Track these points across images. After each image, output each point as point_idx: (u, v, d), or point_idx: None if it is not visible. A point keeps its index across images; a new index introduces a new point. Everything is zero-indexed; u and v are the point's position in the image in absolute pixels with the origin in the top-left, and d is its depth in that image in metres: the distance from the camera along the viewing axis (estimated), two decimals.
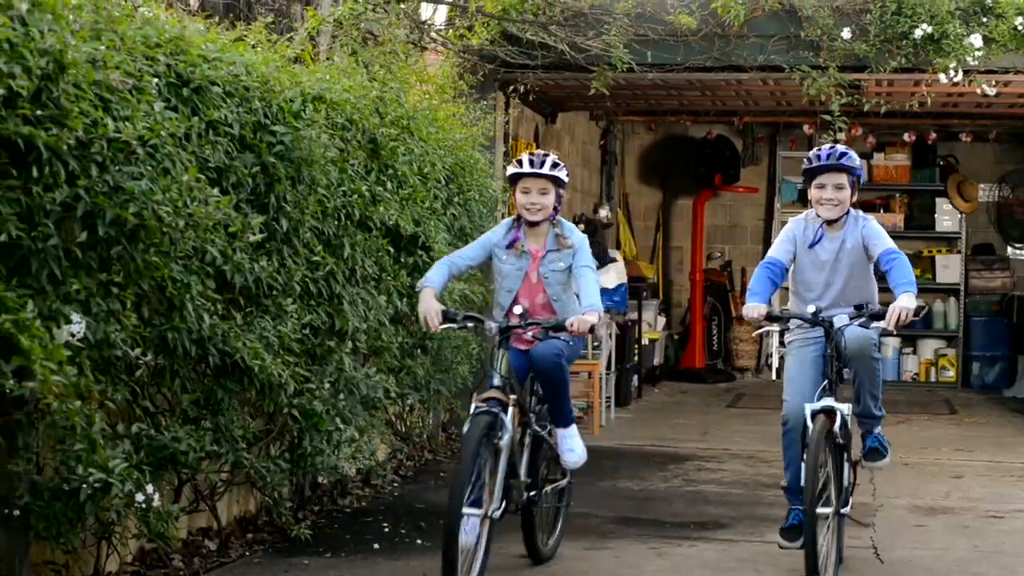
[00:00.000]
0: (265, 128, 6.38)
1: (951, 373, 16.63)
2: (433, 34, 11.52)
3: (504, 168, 11.76)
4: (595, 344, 12.11)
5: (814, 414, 6.61)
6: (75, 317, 4.77)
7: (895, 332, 6.78)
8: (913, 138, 16.09)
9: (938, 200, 16.82)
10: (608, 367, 13.06)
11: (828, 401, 6.68)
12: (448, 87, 10.61)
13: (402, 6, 11.05)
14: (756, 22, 11.49)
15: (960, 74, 11.25)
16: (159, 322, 5.55)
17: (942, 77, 11.28)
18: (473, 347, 9.60)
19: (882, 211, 16.56)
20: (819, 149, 7.03)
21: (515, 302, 6.88)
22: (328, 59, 8.90)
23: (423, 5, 12.18)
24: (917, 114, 13.48)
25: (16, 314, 4.36)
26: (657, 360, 15.97)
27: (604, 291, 12.72)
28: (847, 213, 6.96)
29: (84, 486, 4.96)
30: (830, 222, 6.96)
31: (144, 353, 5.31)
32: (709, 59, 11.60)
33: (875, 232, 6.94)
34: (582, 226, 12.67)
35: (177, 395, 5.93)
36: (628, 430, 12.42)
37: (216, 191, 5.63)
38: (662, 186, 17.82)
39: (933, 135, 16.12)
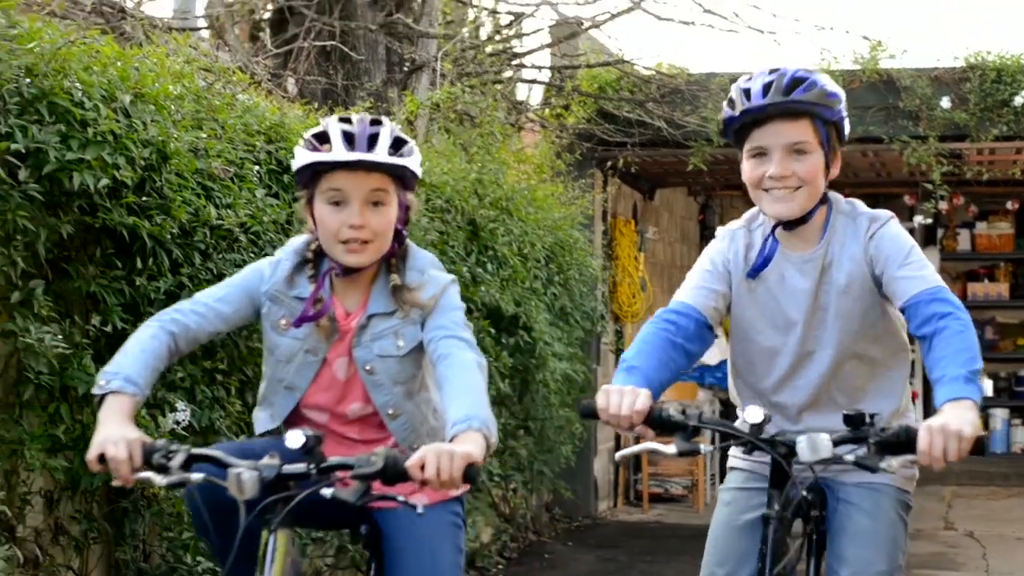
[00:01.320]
0: None
1: None
2: (530, 114, 11.57)
3: (604, 247, 11.74)
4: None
5: None
6: (180, 405, 4.80)
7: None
8: (1016, 206, 15.85)
9: None
10: (712, 442, 12.91)
11: None
12: (546, 166, 10.63)
13: (498, 87, 11.11)
14: (854, 93, 11.41)
15: None
16: None
17: None
18: (577, 427, 9.54)
19: (986, 281, 16.31)
20: (748, 79, 3.68)
21: (298, 416, 3.69)
22: (426, 141, 8.95)
23: (519, 85, 12.26)
24: (1020, 181, 13.28)
25: None
26: None
27: (706, 368, 12.68)
28: (826, 203, 3.71)
29: (191, 574, 4.96)
30: (789, 225, 3.67)
31: None
32: None
33: (896, 246, 3.61)
34: None
35: None
36: None
37: None
38: None
39: None
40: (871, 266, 3.64)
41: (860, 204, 3.76)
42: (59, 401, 4.42)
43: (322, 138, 3.49)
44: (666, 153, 11.97)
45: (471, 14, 12.54)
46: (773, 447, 3.36)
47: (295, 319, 3.58)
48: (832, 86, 3.66)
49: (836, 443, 3.27)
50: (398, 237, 3.62)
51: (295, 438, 3.09)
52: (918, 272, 3.55)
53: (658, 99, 11.41)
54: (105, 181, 4.42)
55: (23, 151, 4.12)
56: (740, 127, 3.68)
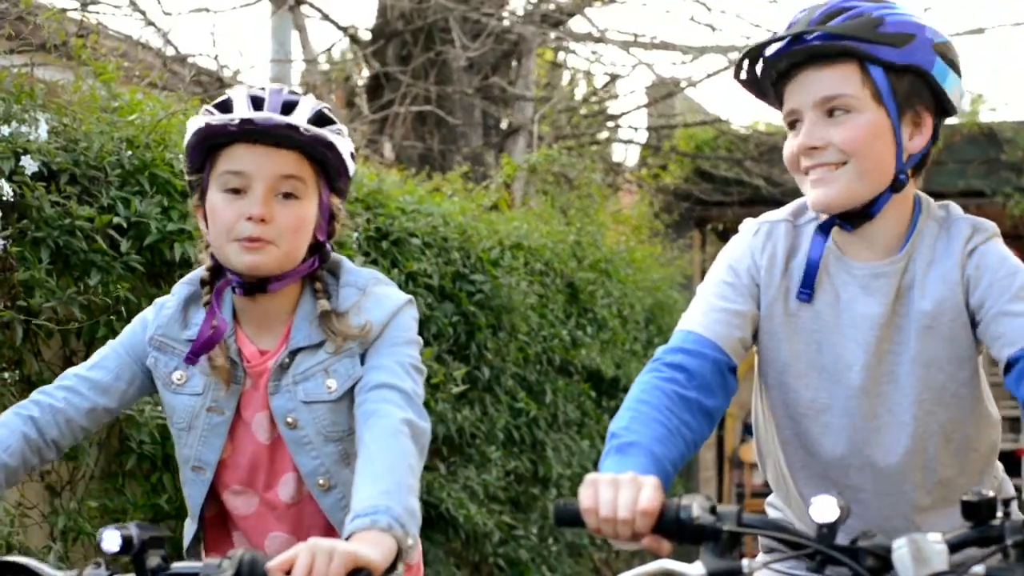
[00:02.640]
0: (464, 277, 6.39)
1: None
2: (627, 174, 11.55)
3: None
4: None
5: None
6: None
7: None
8: None
9: None
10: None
11: None
12: (644, 227, 10.59)
13: (595, 148, 11.11)
14: (955, 147, 11.29)
15: None
16: None
17: None
18: (678, 489, 9.44)
19: None
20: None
21: (217, 511, 2.82)
22: (524, 204, 8.95)
23: (615, 146, 12.26)
24: None
25: None
26: None
27: None
28: (906, 197, 2.59)
29: None
30: (846, 220, 2.58)
31: None
32: None
33: (1006, 270, 2.54)
34: None
35: None
36: None
37: None
38: None
39: None
40: (967, 292, 2.56)
41: (957, 208, 2.65)
42: (161, 471, 4.42)
43: (224, 106, 2.62)
44: (765, 211, 11.87)
45: (566, 76, 12.58)
46: (856, 559, 2.07)
47: (188, 354, 2.67)
48: (907, 17, 2.53)
49: (954, 547, 2.06)
50: (320, 253, 2.71)
51: (111, 538, 2.18)
52: None
53: (756, 157, 11.35)
54: None
55: (124, 224, 4.14)
56: (774, 87, 2.62)
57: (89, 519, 4.12)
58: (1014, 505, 2.07)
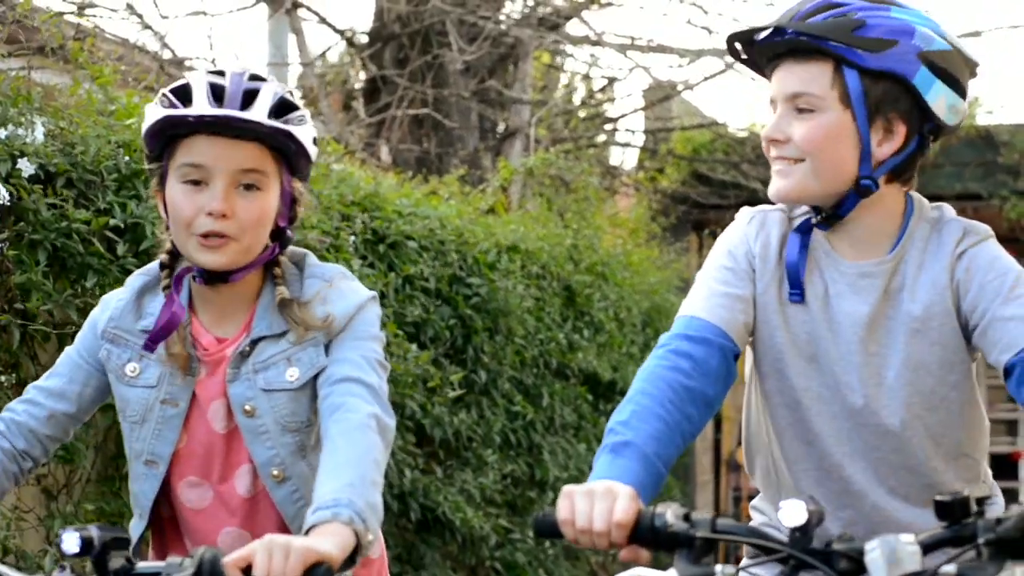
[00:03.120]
0: (461, 281, 6.39)
1: None
2: (624, 178, 11.56)
3: None
4: None
5: None
6: None
7: None
8: None
9: None
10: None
11: None
12: (641, 230, 10.59)
13: (592, 151, 11.12)
14: (952, 149, 11.30)
15: None
16: None
17: None
18: (676, 494, 9.44)
19: None
20: None
21: (168, 507, 2.73)
22: (520, 207, 8.95)
23: (612, 149, 12.26)
24: None
25: None
26: None
27: None
28: (908, 202, 2.60)
29: None
30: (823, 218, 2.58)
31: None
32: None
33: (998, 272, 2.52)
34: None
35: None
36: None
37: (414, 346, 5.64)
38: None
39: None
40: (957, 296, 2.54)
41: (950, 210, 2.62)
42: None
43: (182, 94, 2.54)
44: None
45: (563, 79, 12.58)
46: (830, 562, 2.05)
47: (146, 339, 2.62)
48: (898, 22, 2.49)
49: (927, 547, 2.02)
50: (280, 238, 2.66)
51: (70, 540, 2.15)
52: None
53: (753, 160, 11.35)
54: None
55: (121, 226, 4.14)
56: (767, 66, 2.61)
57: (86, 522, 4.12)
58: (989, 503, 2.06)
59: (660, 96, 11.52)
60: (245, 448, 2.63)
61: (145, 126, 2.57)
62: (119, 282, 4.05)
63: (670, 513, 2.09)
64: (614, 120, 12.08)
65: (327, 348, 2.60)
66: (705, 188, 11.43)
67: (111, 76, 4.57)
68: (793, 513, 2.02)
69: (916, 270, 2.55)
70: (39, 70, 4.62)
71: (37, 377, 3.53)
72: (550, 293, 7.64)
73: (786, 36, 2.49)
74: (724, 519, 2.10)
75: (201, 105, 2.49)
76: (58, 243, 3.93)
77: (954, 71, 2.51)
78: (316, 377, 2.59)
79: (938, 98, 2.50)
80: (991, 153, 11.32)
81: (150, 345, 2.61)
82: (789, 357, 2.60)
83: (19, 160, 3.81)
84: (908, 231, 2.57)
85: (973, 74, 2.58)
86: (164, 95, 2.55)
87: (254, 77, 2.57)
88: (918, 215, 2.58)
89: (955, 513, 2.02)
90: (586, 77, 12.27)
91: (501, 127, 10.80)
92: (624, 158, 12.33)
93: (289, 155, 2.60)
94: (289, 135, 2.55)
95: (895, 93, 2.49)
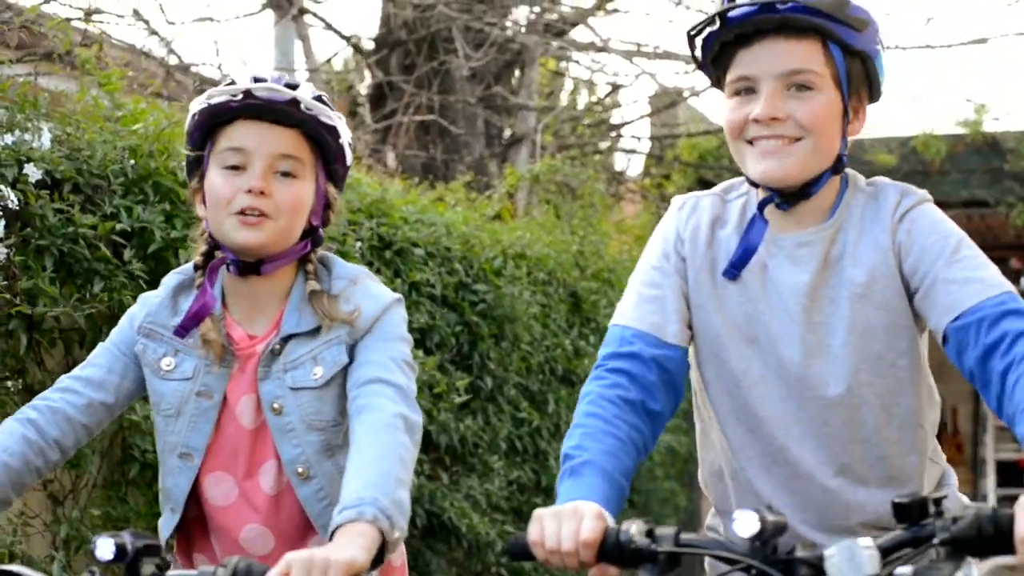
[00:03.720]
0: (467, 287, 6.39)
1: None
2: (630, 184, 11.55)
3: None
4: None
5: None
6: None
7: None
8: None
9: None
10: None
11: None
12: (647, 236, 10.56)
13: (598, 158, 11.12)
14: (958, 157, 11.30)
15: None
16: None
17: None
18: (681, 499, 9.43)
19: None
20: None
21: (196, 503, 2.76)
22: (526, 214, 8.96)
23: (618, 155, 12.26)
24: None
25: None
26: None
27: None
28: (839, 174, 2.58)
29: None
30: (786, 199, 2.54)
31: None
32: None
33: (939, 234, 2.50)
34: None
35: None
36: None
37: (421, 352, 5.64)
38: None
39: None
40: (899, 259, 2.50)
41: (885, 179, 2.62)
42: None
43: (218, 84, 2.69)
44: None
45: (569, 85, 12.59)
46: (789, 570, 2.04)
47: (177, 326, 2.68)
48: (862, 3, 2.51)
49: (885, 551, 2.02)
50: (312, 235, 2.73)
51: (105, 546, 2.19)
52: (975, 272, 2.44)
53: None
54: None
55: (128, 231, 4.15)
56: (721, 48, 2.55)
57: (92, 528, 4.12)
58: (946, 504, 2.02)
59: (666, 103, 11.52)
60: (271, 445, 2.67)
61: (188, 121, 2.67)
62: (126, 287, 4.08)
63: (634, 529, 2.12)
64: (620, 127, 12.09)
65: (351, 349, 2.64)
66: None
67: (118, 82, 4.58)
68: (746, 523, 2.02)
69: (857, 235, 2.53)
70: (46, 76, 4.63)
71: (44, 382, 3.56)
72: (556, 299, 7.64)
73: (780, 11, 2.44)
74: (687, 533, 2.11)
75: (245, 83, 2.59)
76: (65, 248, 3.94)
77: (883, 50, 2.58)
78: (340, 376, 2.63)
79: (883, 76, 2.57)
80: (998, 160, 11.31)
81: (181, 331, 2.67)
82: (726, 340, 2.57)
83: (26, 165, 3.82)
84: (844, 200, 2.55)
85: None
86: (209, 92, 2.65)
87: (289, 85, 2.65)
88: (853, 186, 2.58)
89: (913, 515, 2.02)
90: (591, 83, 12.28)
91: (507, 133, 10.80)
92: (629, 164, 12.33)
93: (326, 149, 2.68)
94: (329, 126, 2.65)
95: (862, 73, 2.53)
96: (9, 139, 3.84)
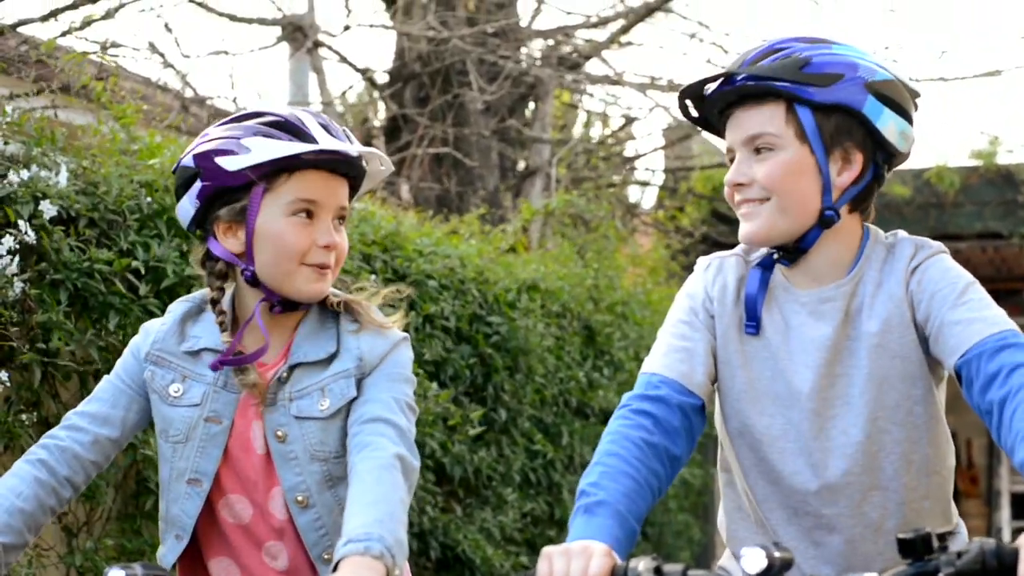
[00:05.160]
0: (481, 319, 6.40)
1: None
2: (644, 216, 11.57)
3: None
4: None
5: None
6: None
7: None
8: None
9: None
10: None
11: None
12: (661, 269, 10.60)
13: (611, 190, 11.13)
14: (972, 189, 11.29)
15: None
16: None
17: None
18: (695, 532, 9.41)
19: None
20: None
21: (211, 527, 2.75)
22: (541, 246, 8.97)
23: (632, 187, 12.28)
24: None
25: None
26: None
27: None
28: (864, 232, 2.68)
29: None
30: (785, 256, 2.65)
31: None
32: (925, 229, 11.40)
33: (948, 281, 2.57)
34: None
35: None
36: None
37: (435, 385, 5.64)
38: None
39: None
40: (912, 308, 2.58)
41: (904, 233, 2.70)
42: None
43: (286, 128, 2.65)
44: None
45: (582, 117, 12.61)
46: None
47: (217, 360, 2.68)
48: (840, 57, 2.57)
49: None
50: None
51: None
52: (978, 312, 2.50)
53: None
54: None
55: (143, 268, 4.16)
56: (721, 116, 2.69)
57: (106, 559, 4.12)
58: (952, 540, 2.07)
59: (680, 135, 11.54)
60: (274, 477, 2.69)
61: (263, 158, 2.60)
62: (140, 322, 4.08)
63: (642, 566, 2.15)
64: (634, 159, 12.11)
65: (359, 384, 2.67)
66: (725, 227, 11.43)
67: (133, 116, 4.60)
68: (753, 560, 2.06)
69: (874, 289, 2.61)
70: (63, 109, 4.65)
71: (59, 416, 3.56)
72: (570, 332, 7.65)
73: (736, 83, 2.58)
74: (695, 570, 2.14)
75: (326, 141, 2.62)
76: (79, 283, 3.95)
77: (899, 99, 2.60)
78: (346, 409, 2.67)
79: (888, 125, 2.59)
80: (1011, 192, 11.29)
81: (218, 365, 2.67)
82: (750, 396, 2.66)
83: (41, 202, 3.84)
84: (864, 255, 2.63)
85: (916, 104, 2.67)
86: (263, 127, 2.63)
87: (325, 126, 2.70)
88: (874, 240, 2.66)
89: (918, 550, 2.05)
90: (605, 116, 12.31)
91: (521, 166, 10.82)
92: (643, 197, 12.35)
93: (353, 193, 2.77)
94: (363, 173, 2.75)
95: (848, 124, 2.57)
96: (25, 174, 3.86)
